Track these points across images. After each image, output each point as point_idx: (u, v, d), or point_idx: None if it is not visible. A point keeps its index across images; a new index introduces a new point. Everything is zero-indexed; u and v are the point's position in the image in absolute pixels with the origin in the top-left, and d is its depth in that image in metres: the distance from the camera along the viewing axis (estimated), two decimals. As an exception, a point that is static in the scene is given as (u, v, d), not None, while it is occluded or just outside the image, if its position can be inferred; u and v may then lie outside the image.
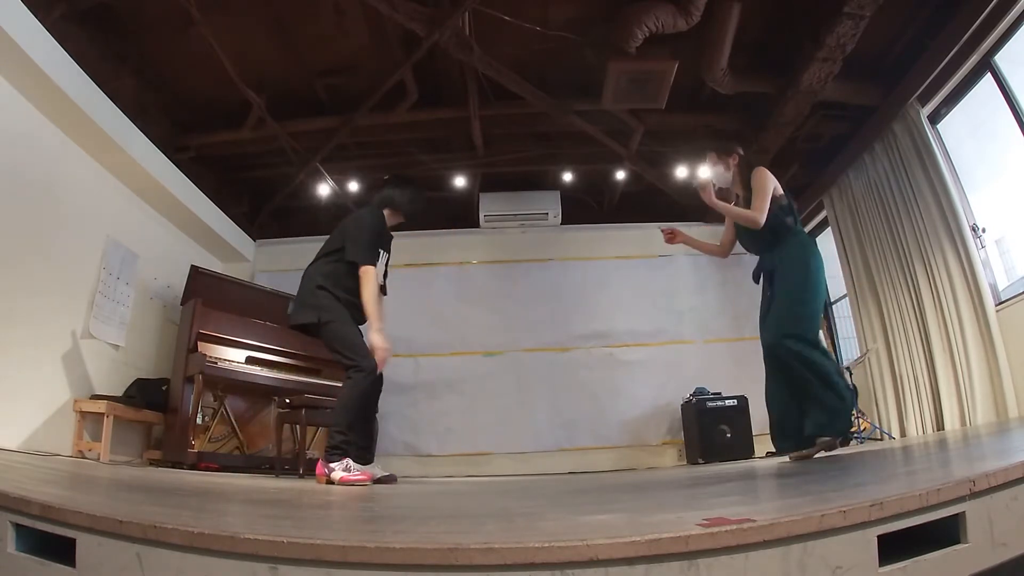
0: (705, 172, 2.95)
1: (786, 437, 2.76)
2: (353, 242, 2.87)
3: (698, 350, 5.87)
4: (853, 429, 2.67)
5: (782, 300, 2.74)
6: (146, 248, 4.72)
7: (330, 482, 2.59)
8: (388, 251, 3.10)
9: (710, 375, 5.48)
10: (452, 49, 4.00)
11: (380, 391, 3.00)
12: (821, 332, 2.81)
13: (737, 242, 3.05)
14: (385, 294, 3.19)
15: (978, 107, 4.06)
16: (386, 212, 3.07)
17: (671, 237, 2.99)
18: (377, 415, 3.18)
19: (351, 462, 2.64)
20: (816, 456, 2.67)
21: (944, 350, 4.16)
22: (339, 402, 2.76)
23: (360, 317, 2.87)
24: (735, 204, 2.96)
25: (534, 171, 5.90)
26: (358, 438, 2.81)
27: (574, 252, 6.28)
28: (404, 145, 5.40)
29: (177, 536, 0.83)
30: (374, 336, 2.75)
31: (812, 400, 2.61)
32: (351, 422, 2.70)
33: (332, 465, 2.61)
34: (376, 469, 2.85)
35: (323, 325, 2.77)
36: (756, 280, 2.96)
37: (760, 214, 2.71)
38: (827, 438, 2.62)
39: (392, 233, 3.16)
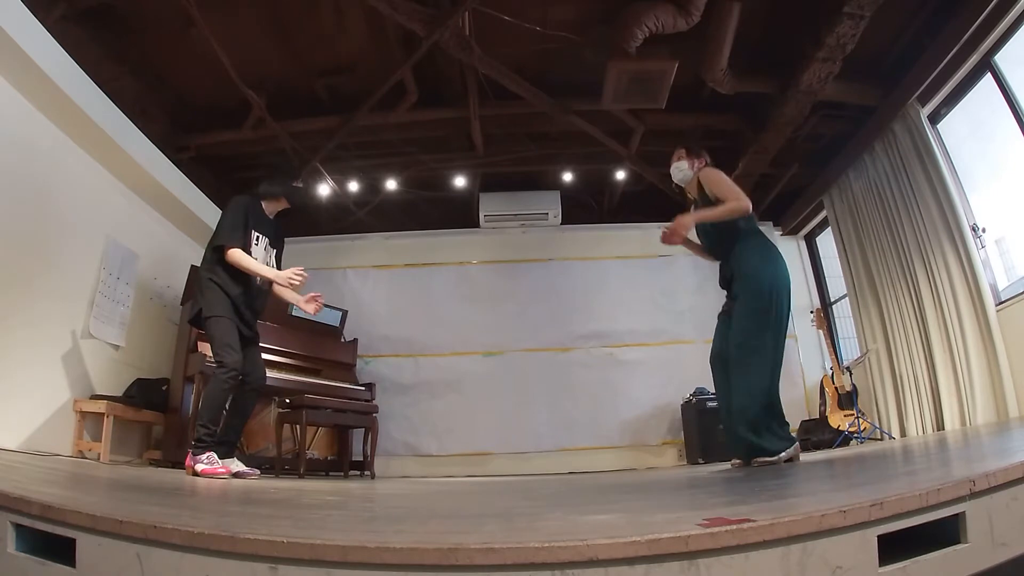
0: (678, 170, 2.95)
1: (737, 441, 2.69)
2: (219, 227, 3.01)
3: (698, 350, 5.84)
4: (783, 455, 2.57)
5: (739, 311, 2.70)
6: (146, 248, 4.72)
7: (195, 474, 2.70)
8: (269, 237, 3.17)
9: (710, 375, 5.43)
10: (452, 49, 4.00)
11: (255, 392, 3.09)
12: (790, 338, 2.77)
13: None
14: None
15: (978, 107, 4.06)
16: (264, 202, 3.18)
17: (672, 240, 2.84)
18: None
19: (214, 455, 2.76)
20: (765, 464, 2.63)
21: (944, 350, 4.16)
22: (203, 398, 2.91)
23: (245, 310, 2.97)
24: (693, 208, 2.93)
25: (534, 171, 5.90)
26: (224, 434, 2.95)
27: (574, 252, 6.28)
28: (404, 145, 5.41)
29: (177, 536, 0.83)
30: (278, 278, 2.91)
31: (745, 416, 2.59)
32: (213, 416, 2.83)
33: (197, 457, 2.74)
34: (234, 464, 2.92)
35: (204, 319, 2.90)
36: (722, 286, 2.93)
37: (741, 199, 2.65)
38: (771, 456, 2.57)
39: (276, 221, 3.25)
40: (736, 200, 2.68)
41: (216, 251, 2.95)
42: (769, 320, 2.64)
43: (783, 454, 2.55)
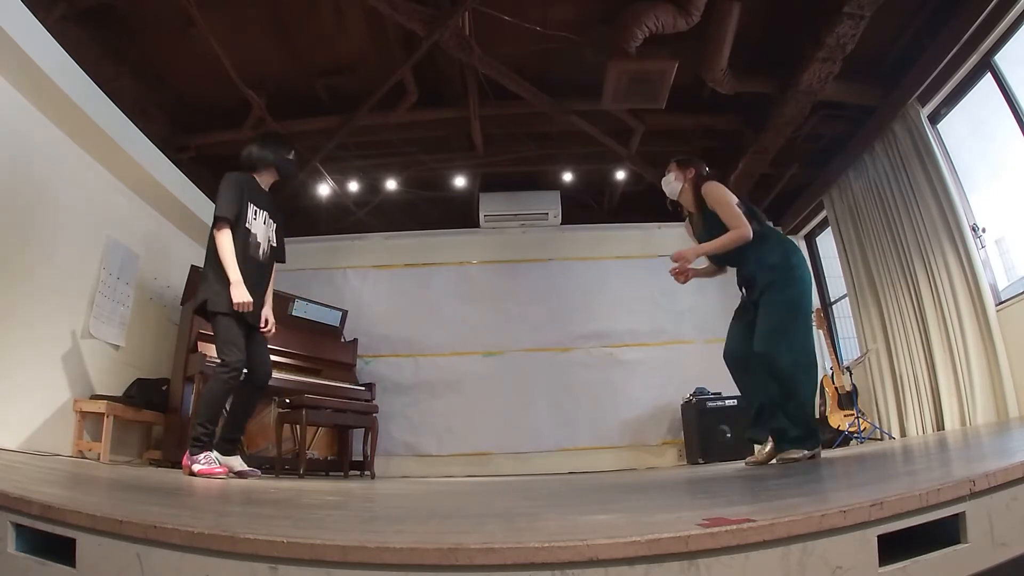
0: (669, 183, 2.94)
1: (761, 428, 2.69)
2: (215, 204, 2.89)
3: (698, 350, 5.86)
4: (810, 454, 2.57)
5: (770, 310, 2.63)
6: (146, 248, 4.72)
7: (192, 474, 2.65)
8: (268, 210, 3.07)
9: (710, 375, 5.45)
10: (452, 49, 4.00)
11: (259, 390, 3.04)
12: (816, 334, 2.75)
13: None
14: (282, 260, 3.21)
15: (978, 107, 4.06)
16: (256, 175, 3.07)
17: (684, 279, 2.82)
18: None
19: (212, 454, 2.73)
20: (772, 463, 2.64)
21: (944, 350, 4.16)
22: (202, 396, 2.85)
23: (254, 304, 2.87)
24: (687, 221, 2.95)
25: (534, 171, 5.90)
26: (227, 431, 2.91)
27: (574, 252, 6.28)
28: (404, 145, 5.40)
29: (177, 536, 0.83)
30: (233, 291, 2.77)
31: (787, 411, 2.57)
32: (212, 416, 2.77)
33: (195, 457, 2.69)
34: (235, 462, 2.89)
35: (211, 314, 2.82)
36: (741, 286, 2.88)
37: (742, 227, 2.63)
38: (797, 453, 2.54)
39: (271, 194, 3.14)
40: (738, 229, 2.64)
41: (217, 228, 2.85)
42: (799, 315, 2.63)
43: (805, 450, 2.53)
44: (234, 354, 2.76)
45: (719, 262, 2.94)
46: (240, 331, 2.84)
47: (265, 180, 3.11)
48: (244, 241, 2.91)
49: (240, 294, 2.76)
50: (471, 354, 5.95)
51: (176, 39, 4.10)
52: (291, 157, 3.18)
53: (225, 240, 2.80)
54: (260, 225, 3.01)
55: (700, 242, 2.87)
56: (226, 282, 2.80)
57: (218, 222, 2.83)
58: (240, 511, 1.35)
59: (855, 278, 5.24)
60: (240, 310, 2.76)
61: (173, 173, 4.80)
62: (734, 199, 2.74)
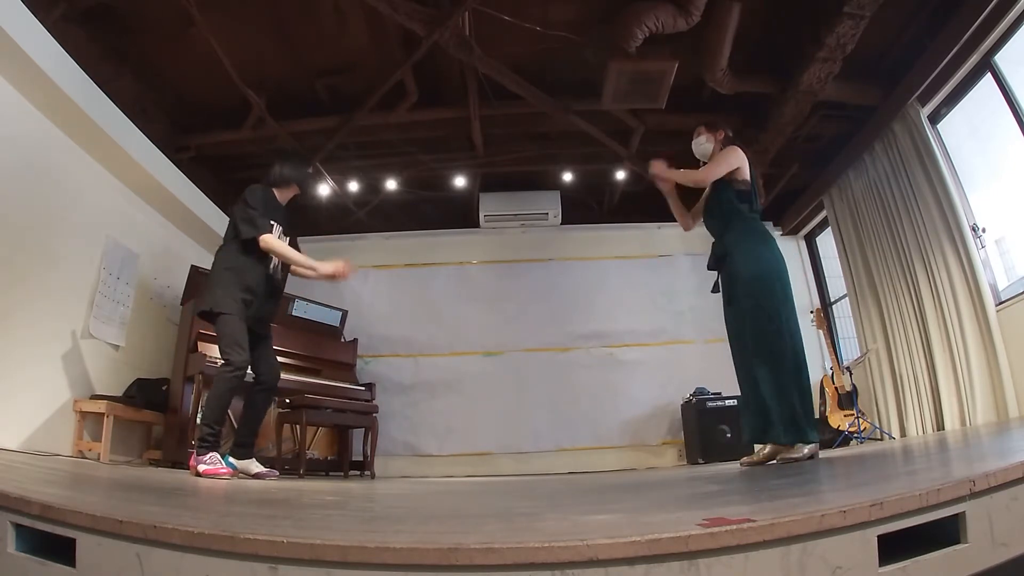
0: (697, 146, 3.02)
1: (759, 428, 2.68)
2: (243, 221, 2.92)
3: (698, 350, 5.87)
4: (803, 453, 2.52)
5: (750, 309, 2.65)
6: (146, 248, 4.72)
7: (197, 474, 2.66)
8: (283, 225, 3.13)
9: (710, 375, 5.47)
10: (452, 49, 4.00)
11: (270, 392, 3.09)
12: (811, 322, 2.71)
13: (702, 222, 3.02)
14: (287, 274, 3.27)
15: (978, 107, 4.06)
16: (277, 190, 3.15)
17: (661, 167, 2.89)
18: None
19: (217, 455, 2.74)
20: (770, 463, 2.62)
21: (944, 350, 4.16)
22: (207, 397, 2.87)
23: (260, 307, 2.93)
24: (711, 187, 2.95)
25: (534, 171, 5.90)
26: (240, 435, 2.95)
27: (574, 252, 6.29)
28: (404, 145, 5.40)
29: (177, 536, 0.83)
30: (322, 267, 2.93)
31: (775, 405, 2.56)
32: (218, 416, 2.78)
33: (200, 458, 2.71)
34: (251, 465, 2.92)
35: (216, 315, 2.84)
36: (709, 268, 2.91)
37: (706, 173, 2.74)
38: (797, 453, 2.52)
39: (287, 209, 3.22)
40: (700, 172, 2.77)
41: (243, 244, 2.89)
42: (781, 313, 2.63)
43: (806, 450, 2.52)
44: (239, 354, 2.77)
45: (707, 223, 2.96)
46: (245, 332, 2.85)
47: (284, 196, 3.19)
48: (261, 255, 2.95)
49: (332, 264, 2.93)
50: (471, 354, 5.95)
51: (176, 39, 4.10)
52: (311, 172, 3.36)
53: (276, 244, 2.92)
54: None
55: (706, 203, 2.95)
56: (229, 285, 2.84)
57: (253, 241, 2.89)
58: (240, 511, 1.35)
59: (855, 278, 5.25)
60: (337, 273, 2.92)
61: (173, 173, 4.80)
62: (743, 165, 2.77)
